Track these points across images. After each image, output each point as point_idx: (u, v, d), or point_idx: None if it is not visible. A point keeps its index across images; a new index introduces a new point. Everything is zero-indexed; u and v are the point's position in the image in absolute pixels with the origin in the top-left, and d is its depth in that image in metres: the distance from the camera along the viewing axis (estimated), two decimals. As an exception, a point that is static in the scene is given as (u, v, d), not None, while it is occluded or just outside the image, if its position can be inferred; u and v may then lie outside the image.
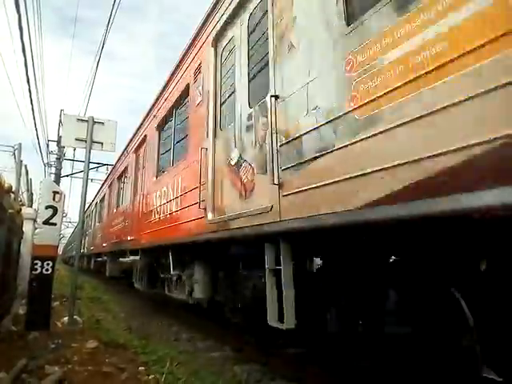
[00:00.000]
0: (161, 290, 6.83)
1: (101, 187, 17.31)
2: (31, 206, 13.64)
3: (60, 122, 18.39)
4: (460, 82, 1.60)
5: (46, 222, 4.91)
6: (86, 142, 5.56)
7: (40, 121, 27.44)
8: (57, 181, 19.72)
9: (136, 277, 8.38)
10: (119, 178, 11.86)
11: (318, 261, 4.02)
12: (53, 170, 21.49)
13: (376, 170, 1.97)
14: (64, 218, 25.19)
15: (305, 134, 2.61)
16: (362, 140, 2.08)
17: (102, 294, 10.36)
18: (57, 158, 21.21)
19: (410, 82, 1.83)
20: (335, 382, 3.51)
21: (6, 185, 4.93)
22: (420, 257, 2.57)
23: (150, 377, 3.18)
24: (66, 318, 5.08)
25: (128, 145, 10.48)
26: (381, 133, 1.96)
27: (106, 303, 8.49)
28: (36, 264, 4.73)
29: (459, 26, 1.62)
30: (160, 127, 7.31)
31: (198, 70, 5.05)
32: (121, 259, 9.62)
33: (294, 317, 2.82)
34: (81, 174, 19.89)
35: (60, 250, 54.53)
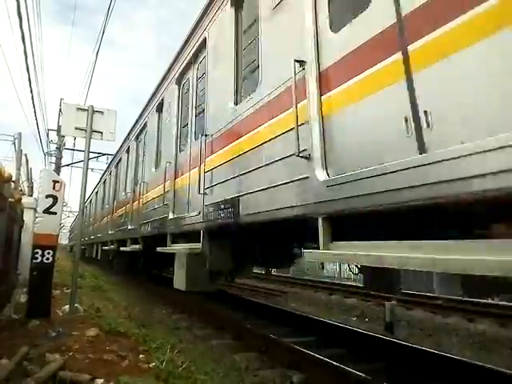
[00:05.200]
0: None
1: (114, 156, 14.58)
2: (31, 195, 13.68)
3: (60, 110, 18.31)
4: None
5: (47, 211, 4.91)
6: (85, 131, 5.53)
7: (40, 110, 27.30)
8: (57, 170, 19.71)
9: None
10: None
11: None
12: (53, 159, 21.48)
13: None
14: (64, 208, 25.20)
15: None
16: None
17: (103, 282, 10.42)
18: (57, 148, 21.17)
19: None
20: (334, 370, 3.54)
21: (6, 174, 4.92)
22: None
23: (150, 364, 3.20)
24: (66, 307, 5.11)
25: (165, 76, 7.50)
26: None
27: (106, 292, 8.54)
28: (36, 253, 4.74)
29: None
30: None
31: None
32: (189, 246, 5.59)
33: None
34: (81, 164, 19.83)
35: (66, 239, 54.49)
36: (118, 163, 13.36)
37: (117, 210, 12.27)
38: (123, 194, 11.60)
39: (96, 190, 19.79)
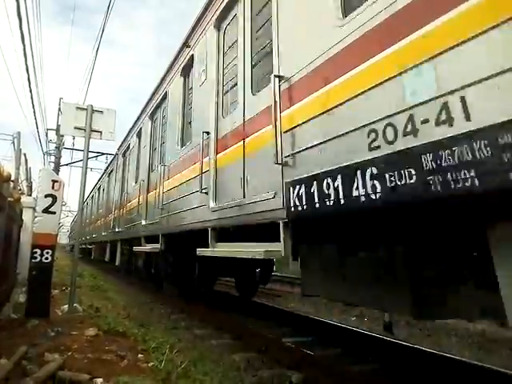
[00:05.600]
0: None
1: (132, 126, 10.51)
2: (30, 195, 13.67)
3: (59, 110, 18.31)
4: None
5: (46, 211, 4.90)
6: (85, 130, 5.52)
7: (39, 109, 27.27)
8: (56, 170, 19.69)
9: None
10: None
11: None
12: (52, 158, 21.46)
13: None
14: (63, 207, 25.14)
15: None
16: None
17: (102, 282, 10.40)
18: (56, 147, 21.16)
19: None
20: (333, 370, 3.53)
21: (5, 173, 4.92)
22: None
23: (149, 364, 3.20)
24: (65, 306, 5.11)
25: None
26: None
27: (105, 292, 8.53)
28: (35, 252, 4.73)
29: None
30: None
31: None
32: None
33: None
34: (80, 163, 19.72)
35: (65, 239, 54.40)
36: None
37: (167, 180, 6.67)
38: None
39: (111, 167, 14.43)
